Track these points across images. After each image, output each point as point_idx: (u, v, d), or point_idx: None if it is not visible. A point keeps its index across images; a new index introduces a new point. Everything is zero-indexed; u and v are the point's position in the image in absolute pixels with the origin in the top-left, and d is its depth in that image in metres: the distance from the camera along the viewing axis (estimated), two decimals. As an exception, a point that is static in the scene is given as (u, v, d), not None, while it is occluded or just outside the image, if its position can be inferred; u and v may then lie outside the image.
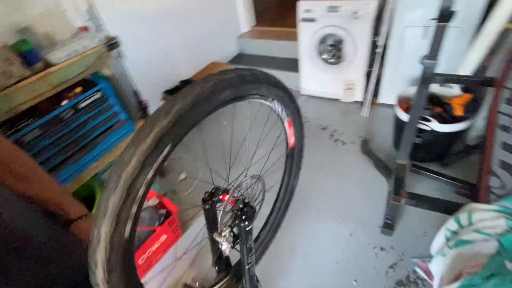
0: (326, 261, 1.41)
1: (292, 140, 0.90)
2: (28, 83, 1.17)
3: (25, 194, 0.61)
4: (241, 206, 0.74)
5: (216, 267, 0.97)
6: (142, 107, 2.13)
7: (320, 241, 1.50)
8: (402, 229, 1.47)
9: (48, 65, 1.27)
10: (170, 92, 2.49)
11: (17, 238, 0.54)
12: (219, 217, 0.74)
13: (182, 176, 2.05)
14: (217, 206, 0.81)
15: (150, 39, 2.27)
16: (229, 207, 0.76)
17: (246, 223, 0.72)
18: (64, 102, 1.33)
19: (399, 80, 2.07)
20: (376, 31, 1.99)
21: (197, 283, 1.44)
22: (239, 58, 3.22)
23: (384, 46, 1.99)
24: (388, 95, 2.19)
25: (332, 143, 2.08)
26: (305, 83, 2.57)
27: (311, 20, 2.15)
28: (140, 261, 1.47)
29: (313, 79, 2.49)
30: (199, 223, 1.77)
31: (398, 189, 1.39)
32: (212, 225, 0.84)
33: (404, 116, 1.61)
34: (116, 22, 1.86)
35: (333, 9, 2.02)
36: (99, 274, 0.48)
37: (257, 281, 0.97)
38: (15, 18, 1.36)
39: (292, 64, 2.68)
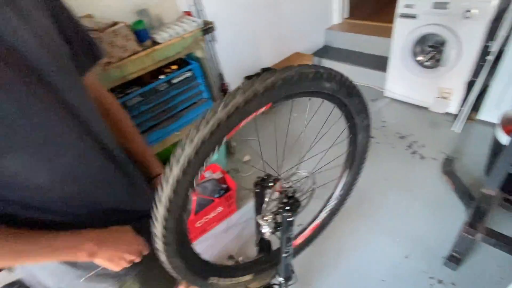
0: (370, 275, 1.35)
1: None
2: (138, 57, 1.42)
3: (125, 148, 0.78)
4: (287, 197, 0.78)
5: (258, 248, 1.04)
6: (223, 89, 2.32)
7: (368, 253, 1.43)
8: (471, 267, 1.29)
9: (154, 43, 1.50)
10: (250, 78, 2.62)
11: None
12: (265, 205, 0.80)
13: (246, 158, 2.18)
14: (266, 192, 0.87)
15: (240, 25, 2.41)
16: (276, 195, 0.81)
17: (289, 214, 0.76)
18: (162, 77, 1.56)
19: (509, 96, 1.72)
20: (491, 35, 1.68)
21: (240, 258, 1.57)
22: (324, 50, 3.13)
23: (498, 54, 1.67)
24: (491, 112, 1.85)
25: (408, 155, 1.90)
26: (391, 85, 2.36)
27: (411, 16, 1.94)
28: (197, 224, 1.67)
29: (401, 82, 2.27)
30: (252, 204, 1.88)
31: (476, 221, 1.21)
32: (259, 208, 0.91)
33: (506, 140, 1.35)
34: (214, 7, 2.04)
35: (440, 5, 1.77)
36: (158, 228, 0.59)
37: (292, 271, 1.00)
38: (136, 1, 1.63)
39: (380, 63, 2.49)
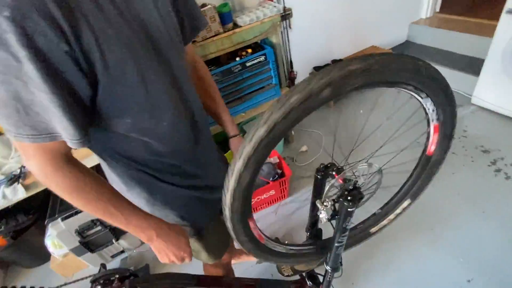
0: (422, 290, 1.27)
1: (432, 148, 0.82)
2: (219, 38, 1.52)
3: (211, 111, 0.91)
4: (350, 187, 0.78)
5: (307, 233, 1.07)
6: (291, 77, 2.32)
7: (423, 268, 1.34)
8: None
9: (235, 26, 1.58)
10: (319, 69, 2.57)
11: None
12: (326, 189, 0.82)
13: (304, 148, 2.18)
14: (328, 179, 0.87)
15: (316, 14, 2.35)
16: (337, 184, 0.81)
17: (349, 204, 0.76)
18: (237, 59, 1.65)
19: None
20: None
21: (286, 241, 1.61)
22: (405, 46, 2.89)
23: None
24: None
25: (491, 173, 1.68)
26: (481, 91, 2.07)
27: (524, 13, 1.66)
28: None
29: (495, 89, 1.98)
30: (303, 194, 1.90)
31: None
32: (317, 193, 0.93)
33: None
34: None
35: None
36: (227, 198, 0.65)
37: (341, 263, 1.00)
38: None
39: (471, 65, 2.20)
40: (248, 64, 1.66)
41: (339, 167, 0.87)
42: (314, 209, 0.98)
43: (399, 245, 1.44)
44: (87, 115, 0.53)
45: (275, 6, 1.65)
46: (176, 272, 0.98)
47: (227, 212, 0.65)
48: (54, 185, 0.56)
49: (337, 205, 0.80)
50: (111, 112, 0.56)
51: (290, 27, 2.15)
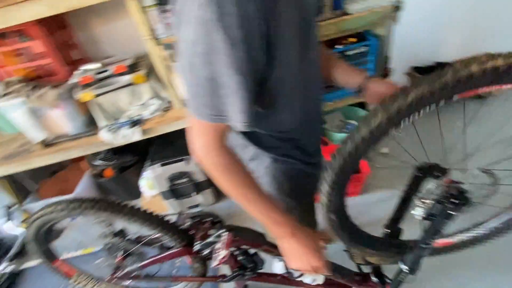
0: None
1: None
2: (326, 24, 1.53)
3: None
4: (455, 191, 0.75)
5: (386, 230, 1.05)
6: (385, 73, 2.20)
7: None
8: None
9: (344, 13, 1.57)
10: (420, 70, 2.38)
11: None
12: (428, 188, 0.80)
13: (385, 150, 2.08)
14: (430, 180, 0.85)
15: (428, 10, 2.15)
16: (441, 186, 0.79)
17: (454, 207, 0.73)
18: (338, 46, 1.64)
19: None
20: None
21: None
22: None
23: None
24: None
25: None
26: None
27: None
28: (320, 189, 1.79)
29: None
30: (374, 195, 1.84)
31: None
32: (411, 190, 0.91)
33: None
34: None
35: None
36: (324, 187, 0.70)
37: (419, 267, 0.97)
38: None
39: None
40: (348, 53, 1.64)
41: (444, 168, 0.84)
42: (404, 206, 0.97)
43: (473, 276, 1.31)
44: (257, 98, 0.57)
45: (390, -4, 1.57)
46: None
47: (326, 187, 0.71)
48: (210, 163, 0.61)
49: (437, 206, 0.78)
50: (273, 94, 0.62)
51: (396, 20, 2.02)
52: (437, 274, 1.36)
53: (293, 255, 0.72)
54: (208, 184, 1.90)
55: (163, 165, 1.75)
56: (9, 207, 1.82)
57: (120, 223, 1.06)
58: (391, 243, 1.01)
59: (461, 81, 0.51)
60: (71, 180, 2.12)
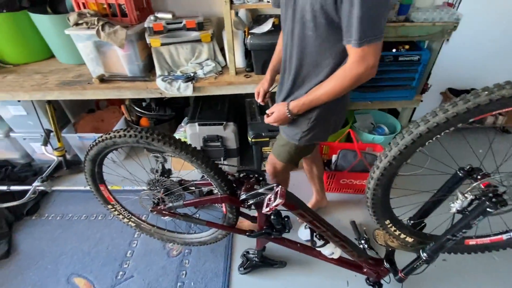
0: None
1: None
2: (388, 26, 1.59)
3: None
4: (493, 192, 0.85)
5: (411, 222, 1.16)
6: (424, 88, 2.28)
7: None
8: None
9: (407, 19, 1.63)
10: (454, 92, 2.45)
11: None
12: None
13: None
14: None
15: (483, 32, 2.20)
16: (479, 187, 0.89)
17: (493, 205, 0.83)
18: (393, 50, 1.71)
19: None
20: None
21: (364, 227, 1.71)
22: None
23: None
24: None
25: None
26: None
27: None
28: (341, 180, 1.89)
29: None
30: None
31: None
32: (448, 188, 1.01)
33: None
34: (472, 5, 1.95)
35: None
36: (375, 174, 0.83)
37: (436, 257, 1.07)
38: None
39: None
40: (400, 58, 1.71)
41: (486, 173, 0.93)
42: (435, 202, 1.07)
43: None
44: None
45: (453, 14, 1.63)
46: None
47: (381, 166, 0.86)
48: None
49: (476, 202, 0.88)
50: None
51: (449, 38, 2.08)
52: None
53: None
54: (237, 152, 1.99)
55: (201, 125, 1.85)
56: (49, 132, 1.92)
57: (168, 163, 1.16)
58: (414, 231, 1.12)
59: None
60: (106, 121, 2.22)
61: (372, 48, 0.85)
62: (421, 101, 2.04)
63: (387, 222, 1.03)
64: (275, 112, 1.14)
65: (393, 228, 1.04)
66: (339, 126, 1.32)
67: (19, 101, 1.81)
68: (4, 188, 1.79)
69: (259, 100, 1.36)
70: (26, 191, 1.81)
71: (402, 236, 1.07)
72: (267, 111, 1.20)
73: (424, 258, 1.07)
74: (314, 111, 1.12)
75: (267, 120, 1.19)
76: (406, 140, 0.76)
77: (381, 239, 1.20)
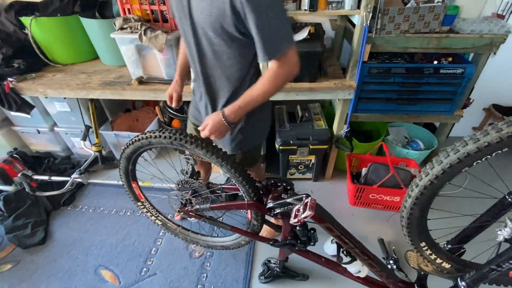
0: None
1: None
2: (429, 37, 1.52)
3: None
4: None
5: (448, 247, 1.07)
6: (465, 104, 2.14)
7: None
8: None
9: (451, 30, 1.55)
10: (499, 109, 2.28)
11: None
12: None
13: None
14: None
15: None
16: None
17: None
18: (434, 62, 1.63)
19: None
20: None
21: (393, 247, 1.62)
22: None
23: None
24: None
25: None
26: None
27: None
28: (371, 195, 1.81)
29: None
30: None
31: None
32: (494, 213, 0.93)
33: None
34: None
35: None
36: (413, 192, 0.78)
37: (478, 285, 0.98)
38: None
39: None
40: (442, 71, 1.63)
41: (541, 201, 0.84)
42: (478, 227, 0.98)
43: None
44: None
45: (503, 26, 1.53)
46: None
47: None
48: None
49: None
50: None
51: (496, 52, 1.95)
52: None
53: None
54: (264, 159, 1.99)
55: (230, 129, 1.86)
56: (89, 128, 2.04)
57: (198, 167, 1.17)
58: (452, 257, 1.04)
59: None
60: (141, 121, 2.32)
61: (288, 54, 0.92)
62: (462, 116, 1.92)
63: (423, 244, 0.96)
64: (209, 124, 1.05)
65: (428, 252, 0.98)
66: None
67: (65, 98, 1.94)
68: (46, 178, 1.92)
69: (173, 104, 1.33)
70: (65, 182, 1.93)
71: (438, 261, 1.00)
72: (200, 127, 1.10)
73: (462, 287, 0.98)
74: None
75: (203, 134, 1.08)
76: (451, 159, 0.71)
77: (413, 261, 1.13)
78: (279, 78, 0.96)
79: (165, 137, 1.07)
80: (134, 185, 1.41)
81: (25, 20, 1.79)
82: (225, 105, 1.11)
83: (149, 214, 1.55)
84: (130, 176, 1.36)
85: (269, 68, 0.97)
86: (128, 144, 1.19)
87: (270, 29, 0.86)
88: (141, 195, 1.47)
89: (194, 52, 1.06)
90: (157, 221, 1.58)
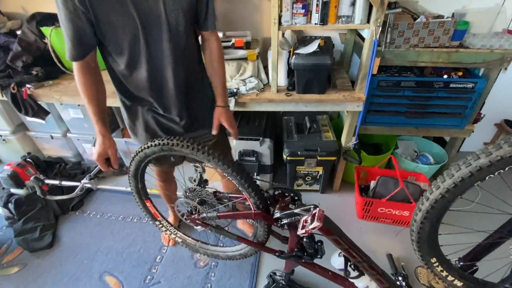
0: None
1: None
2: (439, 51, 1.52)
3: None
4: None
5: (460, 264, 1.05)
6: (476, 118, 2.12)
7: None
8: None
9: (461, 45, 1.55)
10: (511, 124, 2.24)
11: None
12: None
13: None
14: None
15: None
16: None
17: None
18: (444, 76, 1.62)
19: None
20: None
21: (402, 263, 1.58)
22: None
23: None
24: None
25: None
26: None
27: None
28: (379, 209, 1.78)
29: None
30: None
31: None
32: (506, 230, 0.91)
33: None
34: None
35: None
36: (424, 206, 0.77)
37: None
38: (456, 6, 1.71)
39: None
40: (452, 85, 1.62)
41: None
42: (489, 245, 0.96)
43: None
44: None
45: (514, 41, 1.52)
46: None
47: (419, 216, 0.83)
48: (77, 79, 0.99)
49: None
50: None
51: (506, 68, 1.94)
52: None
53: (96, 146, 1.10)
54: (271, 169, 1.99)
55: (238, 139, 1.88)
56: (100, 135, 2.08)
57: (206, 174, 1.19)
58: (464, 274, 1.01)
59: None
60: (151, 129, 2.35)
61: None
62: (473, 131, 1.89)
63: (433, 260, 0.94)
64: (224, 120, 1.19)
65: (439, 268, 0.95)
66: None
67: (79, 105, 2.00)
68: (56, 182, 1.96)
69: (115, 166, 1.19)
70: (74, 187, 1.96)
71: (450, 278, 0.97)
72: (213, 131, 1.21)
73: (475, 307, 0.95)
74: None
75: (235, 137, 1.26)
76: (463, 172, 0.71)
77: (424, 278, 1.10)
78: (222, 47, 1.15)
79: (154, 145, 1.09)
80: (148, 204, 1.42)
81: (46, 30, 1.88)
82: (201, 91, 1.20)
83: (168, 232, 1.55)
84: (143, 195, 1.38)
85: (214, 40, 1.11)
86: (130, 162, 1.23)
87: (213, 7, 1.03)
88: (157, 213, 1.48)
89: (165, 54, 0.98)
90: (176, 238, 1.57)
